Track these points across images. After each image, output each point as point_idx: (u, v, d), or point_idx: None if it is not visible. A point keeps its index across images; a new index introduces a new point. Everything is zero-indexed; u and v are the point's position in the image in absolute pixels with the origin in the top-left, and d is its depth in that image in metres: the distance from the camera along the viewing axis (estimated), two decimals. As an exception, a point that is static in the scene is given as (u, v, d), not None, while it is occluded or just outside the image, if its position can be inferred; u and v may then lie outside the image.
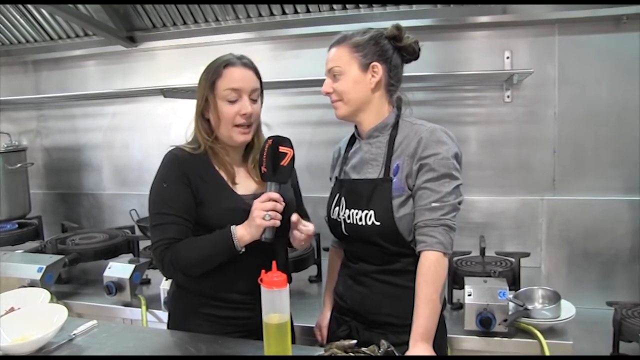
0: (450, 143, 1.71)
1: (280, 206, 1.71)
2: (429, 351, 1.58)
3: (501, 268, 2.50)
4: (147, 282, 2.87)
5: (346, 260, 1.92)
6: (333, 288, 1.99)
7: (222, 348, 1.71)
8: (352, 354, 1.47)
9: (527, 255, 2.54)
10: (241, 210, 1.77)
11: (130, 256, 2.95)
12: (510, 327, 2.21)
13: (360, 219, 1.75)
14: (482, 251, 2.61)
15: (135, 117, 3.63)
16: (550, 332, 2.22)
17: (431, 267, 1.64)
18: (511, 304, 2.22)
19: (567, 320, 2.23)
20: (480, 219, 2.92)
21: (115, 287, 2.59)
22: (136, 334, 1.92)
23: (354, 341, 1.53)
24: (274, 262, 1.56)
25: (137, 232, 3.22)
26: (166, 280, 2.38)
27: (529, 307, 2.27)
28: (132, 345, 1.75)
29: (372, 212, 1.72)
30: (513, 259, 2.53)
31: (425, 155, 1.68)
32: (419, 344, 1.58)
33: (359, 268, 1.82)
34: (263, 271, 1.56)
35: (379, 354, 1.49)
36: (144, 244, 3.12)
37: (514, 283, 2.43)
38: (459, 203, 1.71)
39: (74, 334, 1.80)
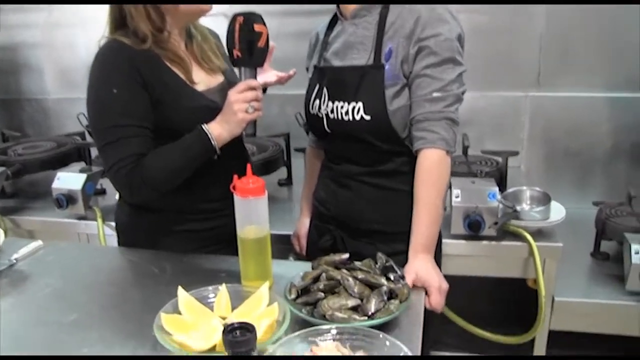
0: (452, 22, 1.39)
1: (262, 95, 1.39)
2: (430, 263, 1.33)
3: (488, 168, 2.27)
4: (102, 192, 2.53)
5: (327, 161, 1.62)
6: (312, 193, 1.71)
7: (189, 266, 1.44)
8: (345, 271, 1.21)
9: (515, 154, 2.31)
10: (205, 108, 1.44)
11: (81, 165, 2.58)
12: (499, 230, 2.02)
13: (347, 113, 1.43)
14: (465, 150, 2.36)
15: (77, 12, 3.11)
16: (539, 234, 2.03)
17: (432, 167, 1.37)
18: (500, 206, 2.01)
19: (557, 222, 2.04)
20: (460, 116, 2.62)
21: (67, 200, 2.26)
22: (89, 253, 1.62)
23: (346, 255, 1.27)
24: (248, 166, 1.26)
25: (88, 139, 2.82)
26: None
27: (518, 208, 2.06)
28: (86, 269, 1.46)
29: (360, 104, 1.41)
30: (500, 159, 2.30)
31: (424, 36, 1.36)
32: (420, 256, 1.33)
33: (344, 170, 1.52)
34: (235, 176, 1.26)
35: (377, 270, 1.23)
36: (96, 151, 2.74)
37: (501, 184, 2.21)
38: (463, 93, 1.41)
39: (14, 259, 1.49)
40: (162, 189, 1.42)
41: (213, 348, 1.05)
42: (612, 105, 2.51)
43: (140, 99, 1.39)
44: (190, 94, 1.46)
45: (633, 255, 1.89)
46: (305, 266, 1.32)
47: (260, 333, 1.03)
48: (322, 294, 1.14)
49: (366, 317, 1.10)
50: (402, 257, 1.39)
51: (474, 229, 1.97)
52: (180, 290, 1.18)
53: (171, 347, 1.03)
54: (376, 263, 1.26)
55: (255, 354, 0.97)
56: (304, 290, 1.17)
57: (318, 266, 1.26)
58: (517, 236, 2.03)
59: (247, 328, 0.97)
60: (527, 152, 2.63)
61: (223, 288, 1.21)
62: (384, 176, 1.47)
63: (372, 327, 1.07)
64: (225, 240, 1.49)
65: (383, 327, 1.10)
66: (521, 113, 2.59)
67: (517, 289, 2.19)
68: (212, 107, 1.43)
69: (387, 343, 1.02)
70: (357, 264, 1.24)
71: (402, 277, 1.22)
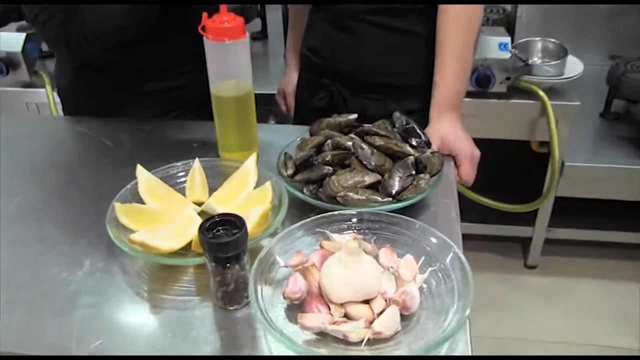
0: None
1: None
2: (459, 124, 1.00)
3: (495, 15, 1.88)
4: (50, 55, 2.08)
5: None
6: (299, 41, 1.31)
7: (151, 137, 1.08)
8: (353, 136, 0.87)
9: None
10: None
11: (21, 24, 2.10)
12: (510, 86, 1.69)
13: None
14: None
15: None
16: (551, 91, 1.71)
17: (463, 9, 0.99)
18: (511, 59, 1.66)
19: (574, 78, 1.71)
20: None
21: (6, 65, 1.83)
22: (27, 126, 1.24)
23: (354, 115, 0.93)
24: (223, 6, 0.87)
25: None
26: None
27: (530, 62, 1.72)
28: (22, 146, 1.09)
29: None
30: (508, 6, 1.91)
31: None
32: (446, 115, 1.00)
33: (343, 8, 1.12)
34: (204, 15, 0.88)
35: (395, 131, 0.90)
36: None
37: (509, 32, 1.84)
38: None
39: None
40: (107, 42, 1.03)
41: (187, 246, 0.73)
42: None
43: None
44: None
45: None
46: (299, 131, 0.98)
47: (249, 225, 0.71)
48: (329, 168, 0.81)
49: (390, 198, 0.79)
50: (415, 117, 1.06)
51: (482, 84, 1.64)
52: (140, 170, 0.84)
53: (129, 249, 0.71)
54: (393, 125, 0.93)
55: (246, 258, 0.66)
56: (304, 164, 0.84)
57: (319, 131, 0.92)
58: (527, 94, 1.71)
59: (233, 222, 0.65)
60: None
61: (196, 164, 0.88)
62: (395, 15, 1.08)
63: (397, 210, 0.77)
64: (192, 103, 1.13)
65: (410, 211, 0.80)
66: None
67: (520, 153, 1.92)
68: None
69: (426, 235, 0.72)
70: (368, 127, 0.91)
71: (428, 143, 0.89)
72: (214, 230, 0.64)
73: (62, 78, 1.20)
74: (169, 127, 1.10)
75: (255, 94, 1.40)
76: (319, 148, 0.87)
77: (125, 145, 1.05)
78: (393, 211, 0.75)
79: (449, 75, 1.00)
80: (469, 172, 0.97)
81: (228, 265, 0.64)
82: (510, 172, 2.00)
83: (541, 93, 1.67)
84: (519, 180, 1.99)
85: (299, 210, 0.83)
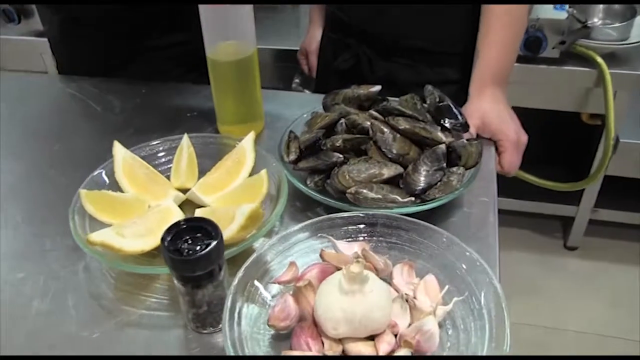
0: None
1: None
2: (503, 103, 0.81)
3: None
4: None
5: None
6: (325, -3, 1.13)
7: (146, 102, 0.93)
8: (374, 114, 0.71)
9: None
10: None
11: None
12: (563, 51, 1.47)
13: None
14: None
15: None
16: (612, 58, 1.48)
17: None
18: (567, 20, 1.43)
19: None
20: None
21: (18, 13, 1.69)
22: (18, 87, 1.11)
23: (376, 87, 0.76)
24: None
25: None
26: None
27: (589, 23, 1.49)
28: (6, 111, 0.96)
29: None
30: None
31: None
32: (489, 91, 0.80)
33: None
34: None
35: (424, 113, 0.73)
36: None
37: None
38: None
39: None
40: None
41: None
42: None
43: None
44: None
45: None
46: (313, 101, 0.82)
47: (234, 228, 0.57)
48: (340, 156, 0.65)
49: (412, 198, 0.63)
50: (452, 89, 0.88)
51: (532, 48, 1.42)
52: (118, 148, 0.70)
53: (88, 250, 0.58)
54: (424, 101, 0.75)
55: (222, 274, 0.52)
56: (310, 148, 0.68)
57: (333, 105, 0.75)
58: (583, 60, 1.49)
59: (205, 229, 0.50)
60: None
61: (185, 141, 0.73)
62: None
63: (421, 213, 0.61)
64: (197, 62, 0.97)
65: (436, 212, 0.63)
66: None
67: (568, 124, 1.71)
68: None
69: (455, 251, 0.56)
70: (395, 103, 0.74)
71: (465, 126, 0.72)
72: (182, 240, 0.49)
73: (51, 28, 1.05)
74: (167, 91, 0.95)
75: (282, 49, 1.19)
76: (331, 128, 0.70)
77: (115, 111, 0.91)
78: (416, 214, 0.60)
79: (496, 43, 0.81)
80: (512, 160, 0.79)
81: (198, 285, 0.50)
82: (555, 145, 1.79)
83: (599, 59, 1.44)
84: (565, 155, 1.78)
85: (303, 203, 0.68)
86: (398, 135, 0.66)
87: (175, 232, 0.49)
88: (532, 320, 1.63)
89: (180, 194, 0.68)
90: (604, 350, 1.57)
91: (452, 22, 0.91)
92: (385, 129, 0.66)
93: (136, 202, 0.65)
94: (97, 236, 0.56)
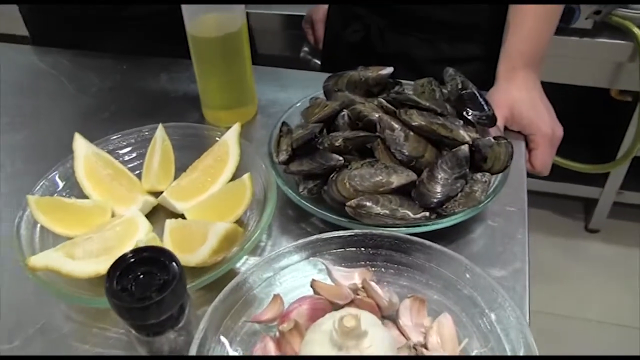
0: None
1: None
2: (537, 90, 0.68)
3: None
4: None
5: None
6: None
7: (124, 82, 0.80)
8: (383, 102, 0.58)
9: None
10: None
11: None
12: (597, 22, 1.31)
13: None
14: None
15: None
16: (650, 28, 1.32)
17: None
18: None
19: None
20: None
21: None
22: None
23: (388, 69, 0.62)
24: None
25: None
26: None
27: (627, -10, 1.32)
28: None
29: None
30: None
31: None
32: (522, 73, 0.67)
33: None
34: None
35: (443, 102, 0.60)
36: None
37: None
38: None
39: None
40: None
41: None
42: None
43: None
44: None
45: None
46: (315, 82, 0.69)
47: (208, 248, 0.45)
48: (340, 159, 0.53)
49: (427, 213, 0.51)
50: (474, 68, 0.75)
51: (563, 18, 1.26)
52: (79, 143, 0.58)
53: (30, 275, 0.47)
54: (442, 86, 0.62)
55: (184, 317, 0.41)
56: (305, 147, 0.56)
57: (335, 90, 0.63)
58: (618, 32, 1.32)
59: (158, 261, 0.39)
60: None
61: (159, 133, 0.61)
62: None
63: (437, 230, 0.49)
64: (181, 35, 0.85)
65: (453, 229, 0.52)
66: None
67: (596, 101, 1.56)
68: None
69: (478, 284, 0.44)
70: (409, 88, 0.61)
71: (492, 119, 0.59)
72: (133, 277, 0.38)
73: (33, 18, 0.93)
74: (150, 67, 0.83)
75: (290, 15, 1.06)
76: (331, 121, 0.58)
77: (90, 92, 0.78)
78: (431, 232, 0.48)
79: (532, 14, 0.67)
80: (546, 158, 0.66)
81: (156, 332, 0.39)
82: (581, 123, 1.64)
83: (636, 30, 1.28)
84: (592, 134, 1.63)
85: (296, 211, 0.56)
86: (411, 133, 0.53)
87: (125, 266, 0.38)
88: (551, 308, 1.52)
89: (151, 199, 0.56)
90: (625, 342, 1.46)
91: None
92: (396, 125, 0.53)
93: (97, 210, 0.54)
94: (40, 259, 0.45)
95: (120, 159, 0.60)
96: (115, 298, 0.36)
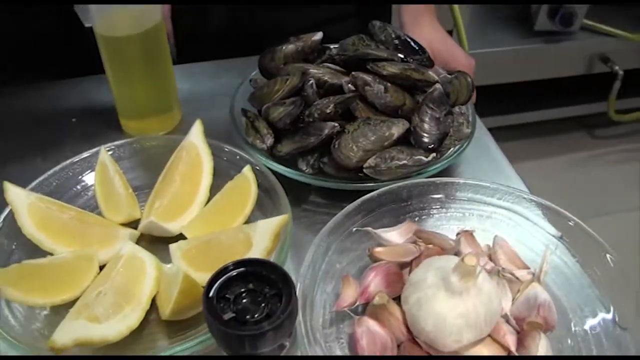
0: None
1: None
2: (442, 31, 0.71)
3: None
4: None
5: None
6: None
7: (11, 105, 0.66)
8: (335, 63, 0.56)
9: None
10: None
11: None
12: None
13: None
14: None
15: None
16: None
17: None
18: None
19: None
20: None
21: None
22: None
23: (318, 35, 0.59)
24: None
25: None
26: None
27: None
28: None
29: None
30: None
31: None
32: (426, 17, 0.69)
33: None
34: None
35: (377, 45, 0.59)
36: None
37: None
38: None
39: None
40: None
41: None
42: None
43: None
44: None
45: None
46: (230, 68, 0.64)
47: (265, 244, 0.40)
48: (335, 125, 0.49)
49: (435, 153, 0.51)
50: (351, 24, 0.78)
51: (566, 22, 1.36)
52: (13, 191, 0.45)
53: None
54: (375, 38, 0.62)
55: (288, 342, 0.35)
56: (289, 125, 0.50)
57: (278, 66, 0.58)
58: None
59: (268, 280, 0.33)
60: None
61: (105, 158, 0.51)
62: None
63: (438, 172, 0.50)
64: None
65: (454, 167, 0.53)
66: None
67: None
68: None
69: (507, 198, 0.46)
70: (341, 50, 0.60)
71: (430, 60, 0.61)
72: (233, 299, 0.31)
73: None
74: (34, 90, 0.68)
75: None
76: (297, 94, 0.54)
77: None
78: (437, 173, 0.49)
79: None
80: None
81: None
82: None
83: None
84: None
85: (294, 194, 0.52)
86: (389, 84, 0.52)
87: (221, 284, 0.31)
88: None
89: (133, 230, 0.47)
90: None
91: None
92: (370, 79, 0.52)
93: (81, 263, 0.43)
94: (64, 335, 0.35)
95: (60, 199, 0.49)
96: (223, 325, 0.30)
